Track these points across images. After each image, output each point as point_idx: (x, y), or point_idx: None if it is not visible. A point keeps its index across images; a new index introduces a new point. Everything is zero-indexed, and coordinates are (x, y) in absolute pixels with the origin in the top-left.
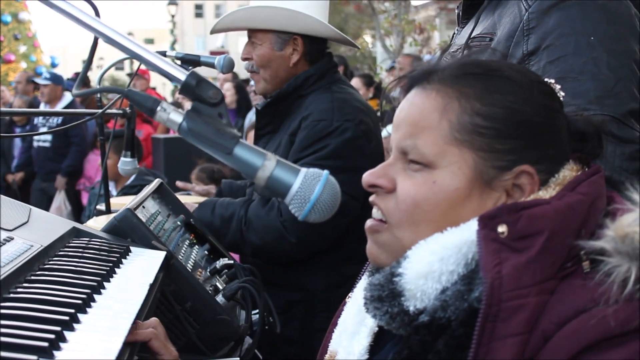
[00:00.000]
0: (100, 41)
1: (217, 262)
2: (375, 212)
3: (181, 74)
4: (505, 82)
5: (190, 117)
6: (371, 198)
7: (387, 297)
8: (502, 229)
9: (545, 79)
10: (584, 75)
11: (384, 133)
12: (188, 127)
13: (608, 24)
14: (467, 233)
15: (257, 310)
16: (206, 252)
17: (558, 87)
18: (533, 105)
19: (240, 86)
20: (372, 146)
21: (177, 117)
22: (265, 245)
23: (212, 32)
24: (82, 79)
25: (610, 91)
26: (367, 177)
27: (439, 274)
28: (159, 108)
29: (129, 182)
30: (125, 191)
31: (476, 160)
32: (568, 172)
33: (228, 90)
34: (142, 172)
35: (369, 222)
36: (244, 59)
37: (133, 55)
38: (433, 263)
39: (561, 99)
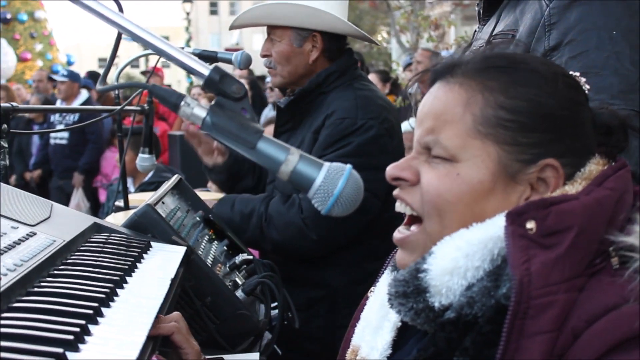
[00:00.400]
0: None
1: (236, 257)
2: (398, 205)
3: (205, 69)
4: (529, 74)
5: (214, 111)
6: (395, 192)
7: (412, 293)
8: (530, 225)
9: (570, 72)
10: (607, 70)
11: (403, 129)
12: (212, 122)
13: (630, 18)
14: (492, 229)
15: (276, 304)
16: (225, 247)
17: (583, 80)
18: (558, 98)
19: (254, 82)
20: (395, 143)
21: (201, 111)
22: (286, 242)
23: (232, 27)
24: (104, 75)
25: (634, 86)
26: (391, 170)
27: (464, 270)
28: (182, 103)
29: (146, 178)
30: (142, 188)
31: (500, 154)
32: (594, 166)
33: None
34: (160, 168)
35: (397, 235)
36: (263, 56)
37: (157, 51)
38: (458, 259)
39: (586, 92)
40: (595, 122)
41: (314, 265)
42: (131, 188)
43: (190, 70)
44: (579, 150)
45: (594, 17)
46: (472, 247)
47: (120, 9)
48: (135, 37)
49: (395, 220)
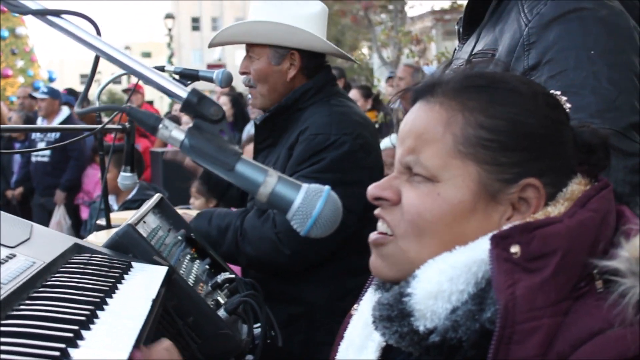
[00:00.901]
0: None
1: (219, 276)
2: (380, 225)
3: (182, 92)
4: (509, 93)
5: (192, 134)
6: (376, 211)
7: (396, 317)
8: (515, 249)
9: (551, 91)
10: (585, 89)
11: (382, 145)
12: (190, 144)
13: (608, 37)
14: (476, 252)
15: (259, 324)
16: (207, 266)
17: (564, 99)
18: (538, 117)
19: (236, 99)
20: (371, 159)
21: (179, 134)
22: (260, 257)
23: (211, 45)
24: (83, 97)
25: (612, 104)
26: (372, 189)
27: (448, 294)
28: (160, 125)
29: (130, 196)
30: (126, 205)
31: (481, 174)
32: (576, 186)
33: (224, 105)
34: (143, 186)
35: (372, 236)
36: (242, 73)
37: (134, 73)
38: (442, 283)
39: (567, 110)
40: (577, 141)
41: (293, 282)
42: (114, 206)
43: (167, 93)
44: (560, 170)
45: (572, 36)
46: (456, 271)
47: (98, 32)
48: (113, 60)
49: None
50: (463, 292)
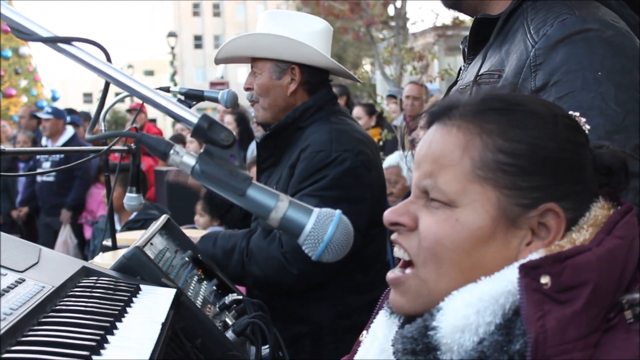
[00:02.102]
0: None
1: (226, 297)
2: (397, 250)
3: (193, 117)
4: (528, 116)
5: (203, 159)
6: (393, 236)
7: (421, 351)
8: (545, 280)
9: (570, 112)
10: (593, 110)
11: (386, 163)
12: (201, 170)
13: (614, 58)
14: (503, 283)
15: (267, 346)
16: (214, 287)
17: (583, 120)
18: (557, 140)
19: (241, 117)
20: (372, 176)
21: (190, 160)
22: (267, 277)
23: (217, 62)
24: (94, 123)
25: (619, 125)
26: (389, 215)
27: (475, 327)
28: (172, 151)
29: (132, 216)
30: (129, 225)
31: (500, 198)
32: (599, 210)
33: (230, 123)
34: (147, 206)
35: (390, 275)
36: (246, 89)
37: (144, 99)
38: (469, 316)
39: (586, 132)
40: (597, 162)
41: (298, 300)
42: (117, 225)
43: (178, 119)
44: (580, 193)
45: (578, 58)
46: (483, 303)
47: (108, 58)
48: (123, 86)
49: (378, 254)
50: (490, 324)
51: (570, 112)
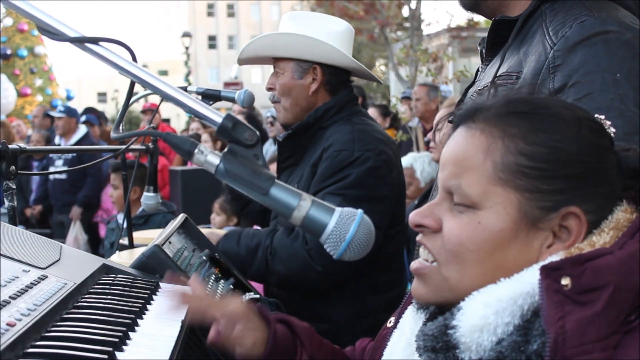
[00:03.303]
0: (116, 72)
1: (243, 296)
2: (422, 251)
3: (217, 117)
4: (551, 120)
5: (227, 159)
6: (418, 237)
7: (441, 348)
8: (565, 281)
9: (595, 115)
10: (612, 112)
11: (403, 164)
12: (225, 169)
13: (633, 60)
14: (522, 285)
15: None
16: (231, 286)
17: (608, 123)
18: (580, 144)
19: (252, 117)
20: (394, 175)
21: (214, 159)
22: (291, 275)
23: (240, 62)
24: (119, 122)
25: (638, 127)
26: (414, 217)
27: (494, 327)
28: (196, 150)
29: (138, 212)
30: (132, 222)
31: (521, 201)
32: (622, 214)
33: None
34: None
35: (414, 264)
36: (269, 89)
37: (168, 98)
38: (488, 316)
39: (612, 135)
40: (622, 165)
41: (318, 299)
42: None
43: (202, 118)
44: (603, 196)
45: (597, 59)
46: (502, 304)
47: (134, 58)
48: (148, 86)
49: (396, 254)
50: (508, 325)
51: (596, 115)
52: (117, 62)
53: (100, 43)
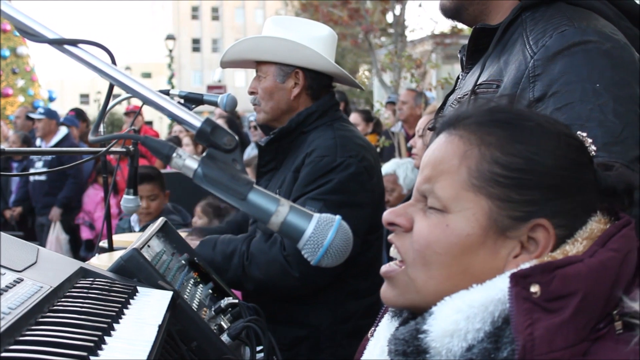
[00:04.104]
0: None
1: (222, 301)
2: (392, 250)
3: (196, 121)
4: (530, 132)
5: (205, 163)
6: (390, 236)
7: (412, 352)
8: (534, 288)
9: (578, 133)
10: (591, 122)
11: (383, 171)
12: (203, 174)
13: (613, 70)
14: (493, 291)
15: (261, 347)
16: (210, 290)
17: (590, 140)
18: (557, 158)
19: (232, 121)
20: (374, 182)
21: (192, 163)
22: (268, 280)
23: (222, 65)
24: (97, 125)
25: (617, 137)
26: (388, 215)
27: (465, 332)
28: (174, 154)
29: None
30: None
31: (492, 209)
32: (596, 224)
33: None
34: (168, 209)
35: (383, 268)
36: (250, 93)
37: (147, 102)
38: (459, 321)
39: (592, 153)
40: (601, 184)
41: (297, 305)
42: (136, 227)
43: (181, 122)
44: (575, 212)
45: (577, 69)
46: (473, 310)
47: (113, 61)
48: (127, 89)
49: (376, 260)
50: (479, 331)
51: (578, 133)
52: (96, 64)
53: (80, 45)
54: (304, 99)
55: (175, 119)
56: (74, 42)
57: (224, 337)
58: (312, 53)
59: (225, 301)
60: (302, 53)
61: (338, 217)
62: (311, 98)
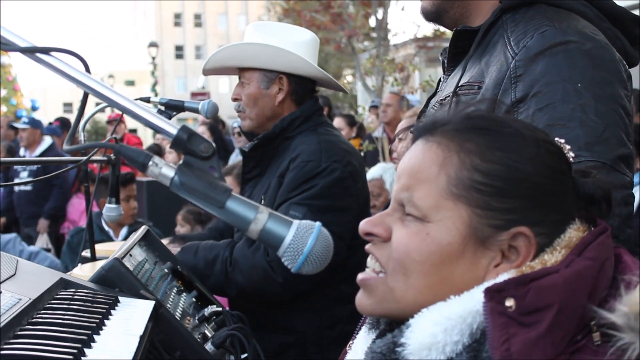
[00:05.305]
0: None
1: (206, 309)
2: (369, 260)
3: (172, 128)
4: (509, 138)
5: (182, 171)
6: (367, 246)
7: None
8: (509, 302)
9: (556, 139)
10: (573, 122)
11: (368, 176)
12: (180, 182)
13: (594, 70)
14: (471, 303)
15: (245, 355)
16: (194, 299)
17: (568, 147)
18: (537, 165)
19: (214, 127)
20: (359, 187)
21: (169, 171)
22: (251, 286)
23: (205, 73)
24: (72, 133)
25: (599, 137)
26: (364, 225)
27: (443, 345)
28: (150, 163)
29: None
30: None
31: (471, 217)
32: (574, 232)
33: (203, 133)
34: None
35: (360, 275)
36: (234, 100)
37: (123, 110)
38: (437, 334)
39: (570, 160)
40: (578, 191)
41: (284, 311)
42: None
43: (157, 130)
44: (556, 220)
45: (558, 69)
46: (450, 322)
47: (87, 69)
48: (101, 97)
49: (362, 265)
50: (457, 343)
51: (556, 139)
52: (70, 73)
53: (53, 53)
54: (288, 105)
55: (151, 127)
56: (46, 50)
57: (208, 346)
58: (296, 58)
59: (209, 309)
60: (286, 58)
61: (318, 223)
62: (295, 103)
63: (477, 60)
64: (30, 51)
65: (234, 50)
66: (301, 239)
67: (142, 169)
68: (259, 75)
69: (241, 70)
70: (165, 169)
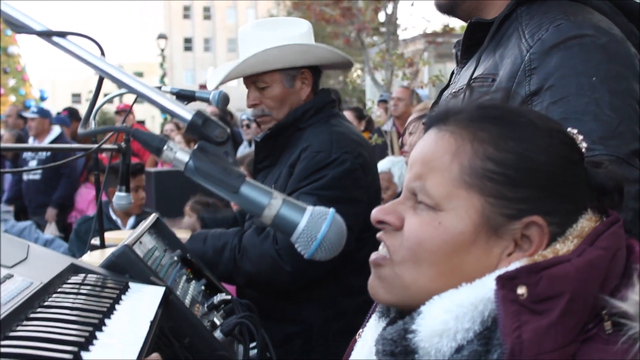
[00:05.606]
0: (91, 74)
1: (215, 297)
2: (381, 248)
3: (187, 113)
4: (522, 128)
5: (197, 156)
6: (379, 234)
7: (400, 353)
8: (521, 290)
9: (568, 129)
10: (587, 115)
11: (378, 169)
12: (195, 166)
13: (609, 64)
14: (482, 290)
15: (254, 344)
16: (203, 287)
17: (580, 137)
18: (550, 155)
19: (222, 119)
20: (369, 179)
21: (183, 156)
22: (260, 274)
23: (224, 82)
24: (86, 118)
25: (614, 131)
26: (376, 213)
27: (454, 332)
28: (165, 147)
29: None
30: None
31: (484, 206)
32: (586, 222)
33: None
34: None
35: (373, 255)
36: (252, 106)
37: (138, 94)
38: (448, 321)
39: (583, 150)
40: (590, 182)
41: (290, 301)
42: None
43: (172, 114)
44: (569, 209)
45: (573, 63)
46: (462, 309)
47: (102, 53)
48: (116, 81)
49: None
50: (469, 331)
51: (569, 129)
52: (86, 57)
53: (69, 38)
54: (309, 96)
55: (166, 111)
56: (63, 34)
57: (217, 334)
58: (322, 50)
59: (218, 297)
60: (312, 53)
61: (332, 210)
62: (314, 94)
63: (492, 53)
64: (47, 34)
65: (254, 60)
66: (315, 224)
67: (157, 153)
68: (281, 75)
69: (257, 75)
70: (179, 153)
